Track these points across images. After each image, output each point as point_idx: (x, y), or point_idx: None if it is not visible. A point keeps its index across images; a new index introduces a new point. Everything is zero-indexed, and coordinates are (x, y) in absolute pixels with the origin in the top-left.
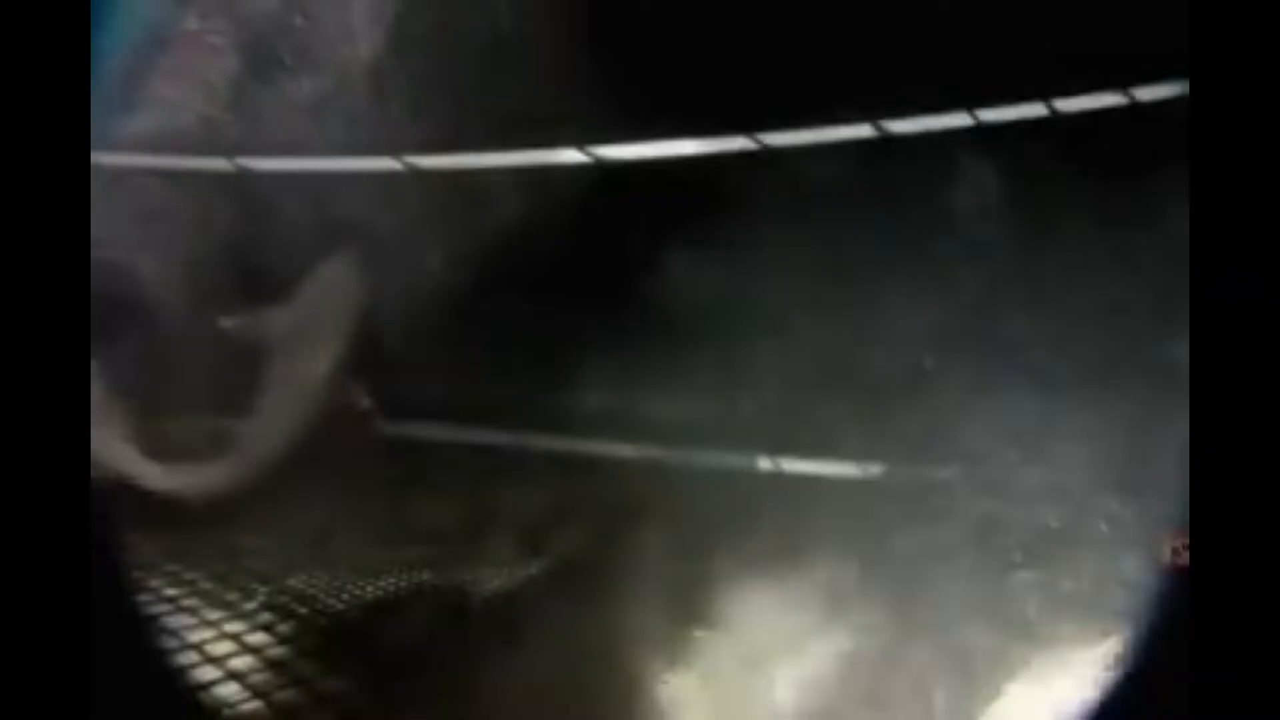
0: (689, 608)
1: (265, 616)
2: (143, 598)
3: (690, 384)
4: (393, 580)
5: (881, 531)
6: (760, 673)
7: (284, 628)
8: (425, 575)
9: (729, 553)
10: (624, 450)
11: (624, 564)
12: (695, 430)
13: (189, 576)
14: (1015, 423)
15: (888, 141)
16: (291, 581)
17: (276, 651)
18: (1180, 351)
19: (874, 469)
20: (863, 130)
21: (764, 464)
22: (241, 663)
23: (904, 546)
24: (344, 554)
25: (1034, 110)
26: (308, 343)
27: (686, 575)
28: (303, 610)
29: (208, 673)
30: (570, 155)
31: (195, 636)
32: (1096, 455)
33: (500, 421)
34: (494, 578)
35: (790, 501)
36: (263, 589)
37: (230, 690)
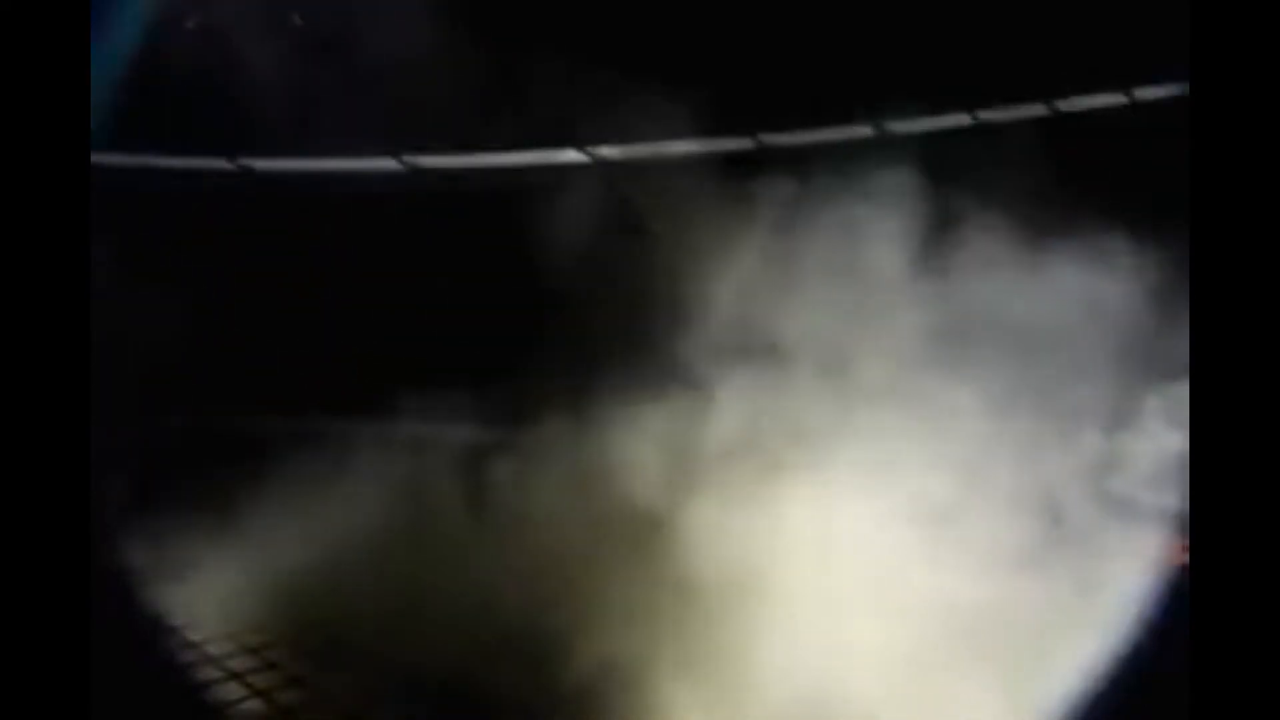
0: None
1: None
2: (143, 597)
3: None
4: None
5: None
6: None
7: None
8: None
9: None
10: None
11: None
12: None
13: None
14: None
15: (888, 141)
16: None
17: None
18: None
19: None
20: (863, 130)
21: None
22: (241, 663)
23: None
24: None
25: (1034, 110)
26: None
27: None
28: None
29: (208, 672)
30: (570, 155)
31: (195, 636)
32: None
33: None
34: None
35: None
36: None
37: (230, 690)
